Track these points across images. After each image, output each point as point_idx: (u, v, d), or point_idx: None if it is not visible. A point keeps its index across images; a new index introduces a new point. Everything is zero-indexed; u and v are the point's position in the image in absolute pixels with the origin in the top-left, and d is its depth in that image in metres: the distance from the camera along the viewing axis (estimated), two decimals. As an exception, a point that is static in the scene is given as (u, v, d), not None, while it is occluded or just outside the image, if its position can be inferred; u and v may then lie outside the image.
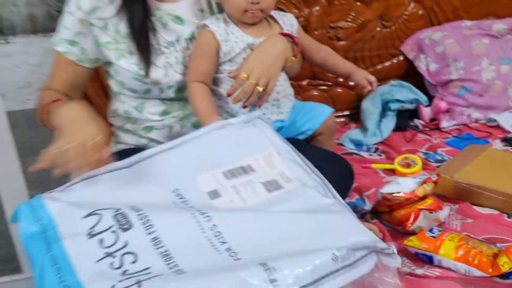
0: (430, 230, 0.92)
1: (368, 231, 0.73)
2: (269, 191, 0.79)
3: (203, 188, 0.79)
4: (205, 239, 0.72)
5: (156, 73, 1.09)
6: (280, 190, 0.79)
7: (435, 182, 1.01)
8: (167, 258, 0.71)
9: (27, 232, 0.80)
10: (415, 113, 1.62)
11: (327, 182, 0.82)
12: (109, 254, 0.73)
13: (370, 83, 1.15)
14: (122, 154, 1.19)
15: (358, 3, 1.61)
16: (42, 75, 1.67)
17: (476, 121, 1.56)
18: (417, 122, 1.59)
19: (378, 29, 1.65)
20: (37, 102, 1.13)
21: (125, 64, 1.08)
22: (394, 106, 1.56)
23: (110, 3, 1.06)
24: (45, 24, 1.62)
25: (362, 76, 1.16)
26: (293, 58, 1.08)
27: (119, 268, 0.71)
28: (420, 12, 1.65)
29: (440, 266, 0.89)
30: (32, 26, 1.62)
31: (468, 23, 1.64)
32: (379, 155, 1.43)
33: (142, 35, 1.06)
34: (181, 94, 1.14)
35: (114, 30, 1.07)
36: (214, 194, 0.79)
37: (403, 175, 1.25)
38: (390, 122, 1.55)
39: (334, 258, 0.67)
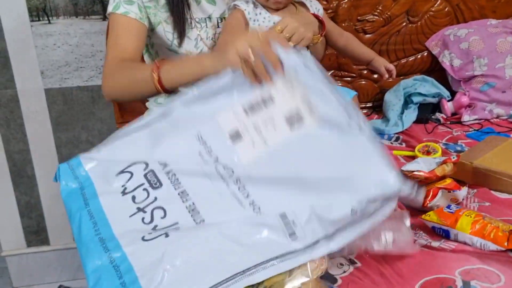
0: (448, 207, 0.96)
1: (393, 178, 0.72)
2: (291, 127, 0.76)
3: (224, 128, 0.80)
4: (230, 194, 0.77)
5: (188, 44, 1.16)
6: (302, 123, 0.76)
7: (454, 163, 1.05)
8: (193, 213, 0.76)
9: (66, 190, 0.86)
10: (437, 107, 1.66)
11: (356, 114, 0.77)
12: (140, 210, 0.78)
13: (389, 72, 1.19)
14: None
15: (386, -2, 1.66)
16: (80, 55, 1.76)
17: (498, 116, 1.59)
18: (438, 115, 1.63)
19: (404, 24, 1.69)
20: (110, 76, 1.07)
21: (161, 31, 1.16)
22: (416, 99, 1.60)
23: None
24: (86, 7, 1.71)
25: (381, 63, 1.21)
26: (319, 35, 1.14)
27: (150, 223, 0.76)
28: (447, 9, 1.69)
29: (456, 240, 0.93)
30: (73, 8, 1.71)
31: (493, 21, 1.68)
32: (400, 143, 1.47)
33: (178, 8, 1.13)
34: None
35: None
36: (236, 136, 0.79)
37: (423, 161, 1.28)
38: (412, 114, 1.59)
39: (352, 212, 0.70)
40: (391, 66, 1.19)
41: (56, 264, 1.96)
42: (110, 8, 1.13)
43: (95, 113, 1.83)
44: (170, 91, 1.00)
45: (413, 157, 1.35)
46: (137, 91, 1.04)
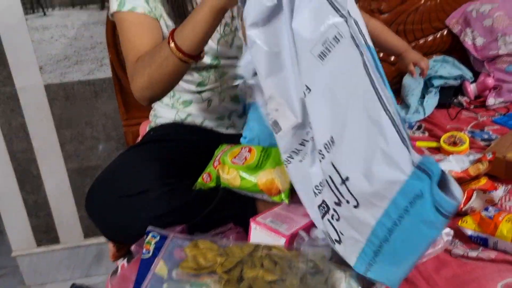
0: (486, 209, 0.89)
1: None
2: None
3: None
4: None
5: None
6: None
7: (490, 161, 0.97)
8: None
9: None
10: (459, 90, 1.57)
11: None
12: None
13: (421, 71, 1.07)
14: (162, 128, 1.19)
15: (403, -26, 1.54)
16: (80, 48, 1.67)
17: (525, 98, 1.50)
18: (461, 99, 1.54)
19: (423, 1, 1.58)
20: (134, 76, 0.98)
21: (163, 25, 1.06)
22: (437, 82, 1.51)
23: None
24: (82, -4, 1.61)
25: (411, 59, 1.09)
26: None
27: None
28: (469, -18, 1.58)
29: (495, 249, 0.86)
30: (69, -2, 1.61)
31: (519, -6, 1.56)
32: (423, 132, 1.39)
33: (178, 1, 1.03)
34: (217, 61, 1.11)
35: None
36: None
37: (450, 153, 1.21)
38: (433, 99, 1.50)
39: None
40: (424, 64, 1.06)
41: (67, 262, 1.92)
42: (114, 7, 1.03)
43: (98, 108, 1.75)
44: (197, 55, 0.90)
45: (438, 149, 1.27)
46: (163, 75, 0.92)
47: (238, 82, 1.15)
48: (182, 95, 1.18)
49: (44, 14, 1.61)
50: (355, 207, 0.68)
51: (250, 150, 0.98)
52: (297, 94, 0.73)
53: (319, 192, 0.78)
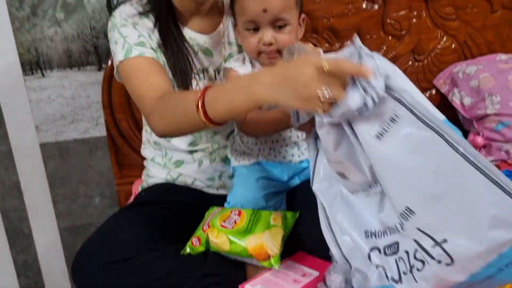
0: None
1: None
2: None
3: None
4: None
5: None
6: None
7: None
8: None
9: None
10: (449, 148, 1.58)
11: None
12: None
13: None
14: (152, 189, 1.20)
15: (390, 37, 1.60)
16: (76, 107, 1.70)
17: (515, 157, 1.52)
18: (452, 157, 1.55)
19: (410, 62, 1.63)
20: (153, 112, 0.94)
21: None
22: (428, 140, 1.53)
23: (148, 19, 1.06)
24: (80, 58, 1.66)
25: None
26: None
27: None
28: (453, 46, 1.63)
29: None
30: (67, 60, 1.66)
31: (503, 56, 1.62)
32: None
33: (178, 59, 1.04)
34: None
35: (156, 41, 1.05)
36: None
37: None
38: (424, 157, 1.52)
39: None
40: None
41: (56, 324, 1.86)
42: (120, 56, 1.00)
43: (92, 166, 1.76)
44: (221, 124, 0.84)
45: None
46: (185, 125, 0.87)
47: (228, 142, 1.16)
48: (174, 155, 1.19)
49: (43, 75, 1.65)
50: (448, 265, 0.69)
51: (239, 214, 0.98)
52: (364, 161, 0.76)
53: (370, 236, 0.80)
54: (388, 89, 0.72)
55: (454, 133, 0.71)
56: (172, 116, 0.89)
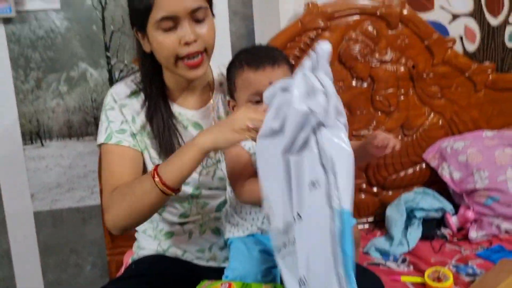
0: None
1: None
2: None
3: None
4: None
5: None
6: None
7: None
8: None
9: None
10: (441, 222, 1.59)
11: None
12: None
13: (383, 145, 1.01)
14: (143, 261, 1.19)
15: (379, 113, 1.66)
16: (73, 176, 1.73)
17: (507, 232, 1.52)
18: (444, 231, 1.56)
19: (400, 137, 1.69)
20: (110, 206, 1.02)
21: (147, 158, 1.12)
22: (419, 214, 1.55)
23: (137, 100, 1.12)
24: (80, 129, 1.71)
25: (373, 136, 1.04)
26: None
27: None
28: (441, 122, 1.70)
29: None
30: (67, 131, 1.71)
31: (489, 133, 1.67)
32: (407, 266, 1.39)
33: (164, 136, 1.10)
34: (198, 191, 1.15)
35: (140, 124, 1.11)
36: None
37: (434, 290, 1.20)
38: (416, 231, 1.52)
39: None
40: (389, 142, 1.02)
41: None
42: (101, 139, 1.09)
43: (85, 235, 1.75)
44: (178, 189, 0.96)
45: (423, 284, 1.26)
46: (143, 207, 0.97)
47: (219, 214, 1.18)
48: (165, 227, 1.20)
49: (42, 145, 1.69)
50: None
51: (229, 286, 0.97)
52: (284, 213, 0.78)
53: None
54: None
55: None
56: (130, 201, 0.98)
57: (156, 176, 0.94)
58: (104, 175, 1.08)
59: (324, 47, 0.76)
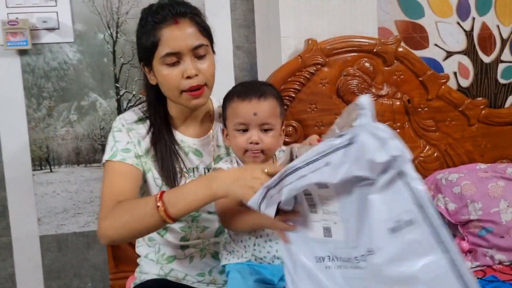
0: None
1: None
2: None
3: None
4: None
5: None
6: None
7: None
8: None
9: None
10: (437, 252, 1.63)
11: None
12: None
13: None
14: (145, 285, 1.23)
15: (376, 145, 1.72)
16: (79, 201, 1.78)
17: (500, 262, 1.55)
18: (439, 261, 1.59)
19: (396, 169, 1.74)
20: (109, 216, 1.05)
21: (151, 178, 1.18)
22: (415, 244, 1.58)
23: (143, 125, 1.20)
24: (88, 155, 1.78)
25: None
26: None
27: None
28: (436, 154, 1.75)
29: None
30: (76, 157, 1.77)
31: (482, 166, 1.72)
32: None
33: (167, 160, 1.17)
34: (197, 214, 1.20)
35: (145, 147, 1.18)
36: None
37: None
38: (412, 260, 1.55)
39: None
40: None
41: None
42: (106, 156, 1.16)
43: (89, 260, 1.79)
44: (177, 220, 0.99)
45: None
46: (140, 227, 1.01)
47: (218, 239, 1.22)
48: (167, 251, 1.25)
49: (51, 170, 1.75)
50: None
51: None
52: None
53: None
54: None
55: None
56: (129, 219, 1.01)
57: (160, 202, 0.98)
58: (104, 189, 1.13)
59: (368, 100, 0.80)
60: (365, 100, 0.79)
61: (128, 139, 1.17)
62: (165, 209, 0.97)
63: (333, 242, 0.85)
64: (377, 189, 0.78)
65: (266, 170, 0.89)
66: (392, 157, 0.76)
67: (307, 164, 0.81)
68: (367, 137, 0.77)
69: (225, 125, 1.15)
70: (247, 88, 1.11)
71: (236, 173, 0.94)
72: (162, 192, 1.00)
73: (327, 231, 0.86)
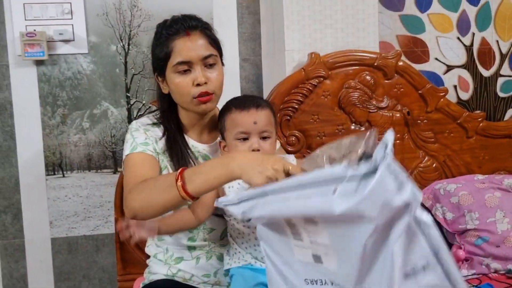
0: None
1: None
2: None
3: None
4: None
5: None
6: None
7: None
8: None
9: None
10: (434, 260, 1.67)
11: None
12: None
13: None
14: (153, 286, 1.29)
15: (377, 155, 1.78)
16: (89, 206, 1.85)
17: (496, 271, 1.60)
18: (437, 269, 1.64)
19: (396, 178, 1.79)
20: (133, 191, 1.09)
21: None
22: (413, 252, 1.63)
23: (159, 129, 1.26)
24: (99, 161, 1.85)
25: None
26: None
27: None
28: (434, 165, 1.81)
29: None
30: (87, 163, 1.84)
31: (480, 177, 1.77)
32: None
33: (181, 162, 1.22)
34: None
35: (161, 147, 1.24)
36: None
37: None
38: (410, 268, 1.60)
39: None
40: None
41: None
42: (126, 152, 1.21)
43: (98, 262, 1.86)
44: (194, 198, 1.00)
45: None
46: (161, 200, 1.02)
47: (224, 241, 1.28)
48: (175, 252, 1.31)
49: (63, 175, 1.83)
50: None
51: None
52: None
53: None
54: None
55: None
56: (149, 192, 1.04)
57: (180, 179, 0.99)
58: (127, 176, 1.17)
59: (393, 137, 0.76)
60: (391, 137, 0.75)
61: (146, 136, 1.24)
62: (183, 184, 0.99)
63: (325, 269, 0.84)
64: (395, 236, 0.75)
65: (289, 168, 0.92)
66: (405, 204, 0.73)
67: (297, 188, 0.80)
68: (389, 177, 0.73)
69: (223, 137, 1.22)
70: (243, 101, 1.19)
71: (257, 158, 0.95)
72: (184, 169, 1.02)
73: (317, 258, 0.84)
